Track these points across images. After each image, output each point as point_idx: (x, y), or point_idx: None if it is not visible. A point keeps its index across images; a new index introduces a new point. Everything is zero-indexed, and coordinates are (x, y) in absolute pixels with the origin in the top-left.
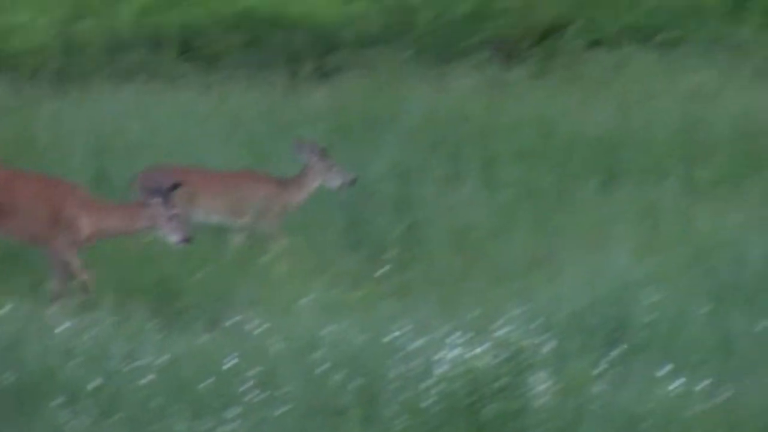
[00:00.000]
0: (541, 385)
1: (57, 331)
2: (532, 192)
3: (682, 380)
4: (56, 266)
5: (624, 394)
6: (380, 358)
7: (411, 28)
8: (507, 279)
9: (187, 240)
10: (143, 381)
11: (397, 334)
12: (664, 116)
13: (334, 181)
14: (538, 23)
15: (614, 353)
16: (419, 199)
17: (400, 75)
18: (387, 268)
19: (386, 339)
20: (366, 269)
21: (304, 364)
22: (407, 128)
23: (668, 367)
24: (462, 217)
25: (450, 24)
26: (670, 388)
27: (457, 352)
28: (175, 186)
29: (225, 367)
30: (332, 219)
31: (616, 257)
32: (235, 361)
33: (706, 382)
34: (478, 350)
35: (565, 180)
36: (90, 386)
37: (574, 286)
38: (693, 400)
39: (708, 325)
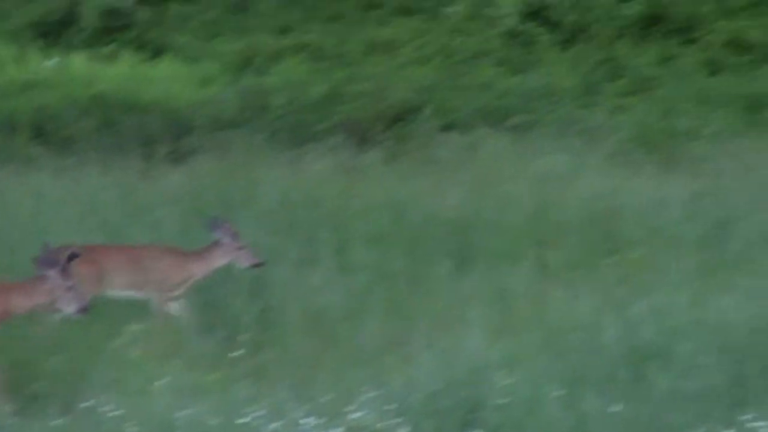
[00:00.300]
0: None
1: None
2: (386, 275)
3: None
4: None
5: None
6: None
7: (265, 111)
8: (361, 362)
9: (85, 310)
10: None
11: (251, 417)
12: (516, 199)
13: (244, 261)
14: (390, 106)
15: None
16: (274, 281)
17: (255, 158)
18: (242, 350)
19: (241, 422)
20: (221, 351)
21: None
22: (262, 211)
23: None
24: (316, 300)
25: (304, 107)
26: None
27: None
28: (72, 257)
29: None
30: (187, 301)
31: (470, 340)
32: None
33: None
34: None
35: (419, 263)
36: None
37: (428, 369)
38: None
39: (562, 408)
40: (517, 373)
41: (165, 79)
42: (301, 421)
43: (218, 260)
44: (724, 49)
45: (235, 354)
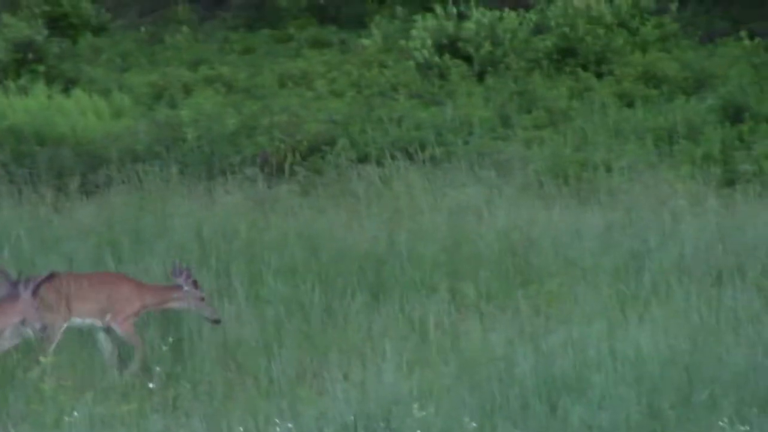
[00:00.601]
0: None
1: None
2: (300, 307)
3: None
4: None
5: None
6: None
7: (178, 144)
8: (275, 394)
9: (48, 340)
10: None
11: None
12: (431, 231)
13: (201, 313)
14: (304, 139)
15: None
16: (186, 313)
17: (168, 190)
18: (156, 382)
19: None
20: (135, 384)
21: None
22: (175, 243)
23: None
24: (230, 332)
25: (217, 140)
26: None
27: None
28: (49, 277)
29: None
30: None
31: (385, 372)
32: None
33: None
34: None
35: (333, 295)
36: None
37: (342, 401)
38: None
39: None
40: (431, 405)
41: (77, 112)
42: None
43: (174, 302)
44: (636, 82)
45: (149, 386)
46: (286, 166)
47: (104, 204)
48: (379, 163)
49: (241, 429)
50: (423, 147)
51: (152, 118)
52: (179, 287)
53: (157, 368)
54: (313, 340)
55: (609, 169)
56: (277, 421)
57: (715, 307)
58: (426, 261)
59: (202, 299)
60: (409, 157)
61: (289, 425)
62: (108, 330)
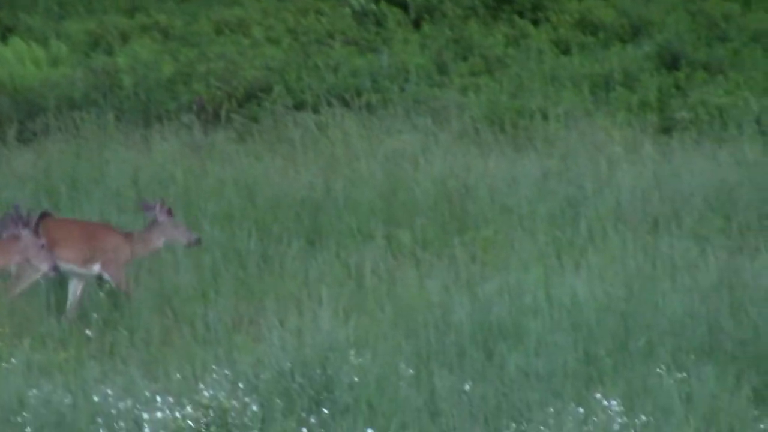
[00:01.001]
0: None
1: None
2: (236, 254)
3: None
4: None
5: None
6: (88, 419)
7: (115, 91)
8: (211, 341)
9: (56, 269)
10: None
11: (103, 394)
12: (367, 178)
13: (180, 239)
14: (240, 86)
15: (321, 414)
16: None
17: (105, 137)
18: (93, 330)
19: (93, 399)
20: (71, 331)
21: (11, 427)
22: (112, 190)
23: (374, 429)
24: (166, 279)
25: (153, 87)
26: None
27: (164, 413)
28: (43, 216)
29: None
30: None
31: (321, 319)
32: None
33: None
34: (185, 411)
35: (269, 242)
36: None
37: (278, 348)
38: None
39: (413, 386)
40: (368, 352)
41: (15, 60)
42: (153, 400)
43: (157, 241)
44: (573, 28)
45: (87, 333)
46: (223, 113)
47: (41, 151)
48: (316, 110)
49: (179, 375)
50: (359, 94)
51: (89, 65)
52: (156, 223)
53: (94, 315)
54: (250, 286)
55: (545, 117)
56: (214, 367)
57: (651, 254)
58: (362, 208)
59: (179, 226)
60: (346, 104)
61: (226, 372)
62: (99, 278)
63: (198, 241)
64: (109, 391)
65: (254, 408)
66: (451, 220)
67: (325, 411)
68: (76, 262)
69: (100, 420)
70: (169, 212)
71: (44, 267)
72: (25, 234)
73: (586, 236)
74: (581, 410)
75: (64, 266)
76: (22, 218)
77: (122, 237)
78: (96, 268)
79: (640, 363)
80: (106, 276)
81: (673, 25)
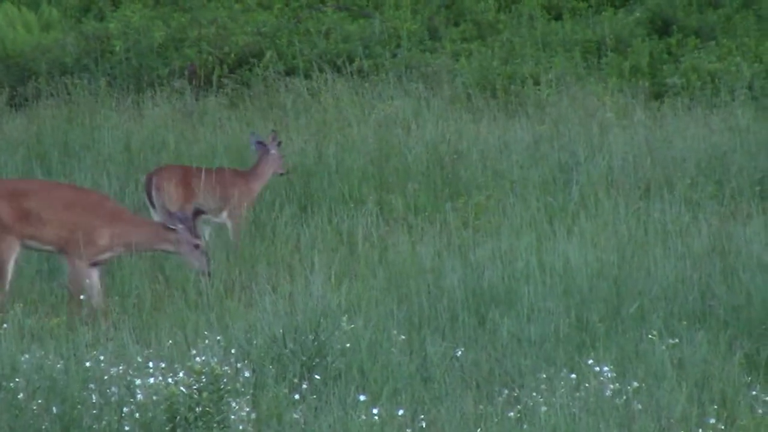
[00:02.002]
0: (240, 412)
1: None
2: None
3: (380, 408)
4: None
5: (322, 421)
6: (80, 384)
7: (106, 57)
8: (203, 307)
9: (209, 274)
10: None
11: (95, 360)
12: (358, 144)
13: (280, 170)
14: (232, 52)
15: (312, 380)
16: None
17: (96, 103)
18: (84, 295)
19: (85, 365)
20: (63, 297)
21: (3, 391)
22: (104, 155)
23: (366, 395)
24: None
25: (145, 52)
26: (367, 416)
27: (156, 378)
28: (198, 214)
29: None
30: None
31: (313, 285)
32: None
33: (403, 409)
34: (177, 377)
35: (261, 207)
36: None
37: (270, 314)
38: (391, 427)
39: (405, 352)
40: (360, 318)
41: (6, 25)
42: (145, 366)
43: (268, 174)
44: None
45: (79, 298)
46: (214, 79)
47: (33, 117)
48: (307, 76)
49: (170, 341)
50: (351, 59)
51: (81, 31)
52: (268, 155)
53: (87, 281)
54: (242, 252)
55: (537, 82)
56: (206, 333)
57: (643, 219)
58: (354, 173)
59: (282, 157)
60: (337, 69)
61: (218, 337)
62: None
63: (294, 169)
64: (102, 357)
65: (246, 374)
66: (442, 186)
67: (317, 377)
68: (213, 209)
69: (92, 385)
70: (279, 143)
71: (198, 267)
72: (181, 229)
73: (578, 202)
74: (573, 376)
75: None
76: (181, 216)
77: (243, 178)
78: (224, 215)
79: (633, 329)
80: (228, 224)
81: None
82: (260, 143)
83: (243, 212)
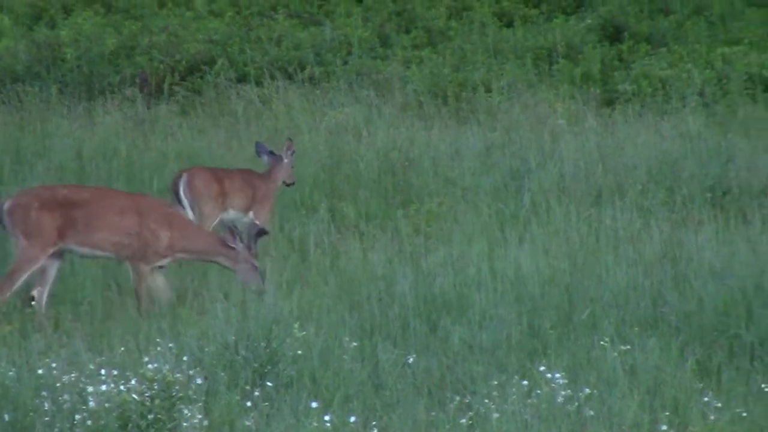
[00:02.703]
0: (192, 419)
1: None
2: None
3: (332, 415)
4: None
5: (274, 428)
6: (32, 392)
7: (58, 64)
8: (155, 314)
9: (263, 293)
10: None
11: (47, 367)
12: (310, 151)
13: (290, 180)
14: (183, 59)
15: (264, 387)
16: None
17: (48, 110)
18: (36, 303)
19: (37, 372)
20: (16, 304)
21: None
22: (55, 164)
23: (318, 402)
24: None
25: (96, 60)
26: (319, 423)
27: (108, 386)
28: (261, 233)
29: None
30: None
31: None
32: None
33: (355, 416)
34: (129, 384)
35: None
36: None
37: (222, 321)
38: None
39: (356, 359)
40: (312, 325)
41: None
42: (97, 373)
43: (280, 180)
44: (516, 1)
45: (31, 304)
46: (166, 86)
47: None
48: (259, 83)
49: (123, 349)
50: (302, 67)
51: (32, 38)
52: (281, 163)
53: (39, 288)
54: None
55: (488, 89)
56: (158, 340)
57: (594, 226)
58: (306, 181)
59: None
60: (289, 77)
61: (170, 345)
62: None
63: (294, 183)
64: (54, 365)
65: (198, 381)
66: (394, 193)
67: (269, 384)
68: (242, 209)
69: (44, 393)
70: (293, 153)
71: (253, 286)
72: (242, 247)
73: (529, 209)
74: (525, 383)
75: (233, 215)
76: (237, 234)
77: (264, 180)
78: (251, 215)
79: (584, 335)
80: (256, 221)
81: None
82: (272, 153)
83: (267, 214)
